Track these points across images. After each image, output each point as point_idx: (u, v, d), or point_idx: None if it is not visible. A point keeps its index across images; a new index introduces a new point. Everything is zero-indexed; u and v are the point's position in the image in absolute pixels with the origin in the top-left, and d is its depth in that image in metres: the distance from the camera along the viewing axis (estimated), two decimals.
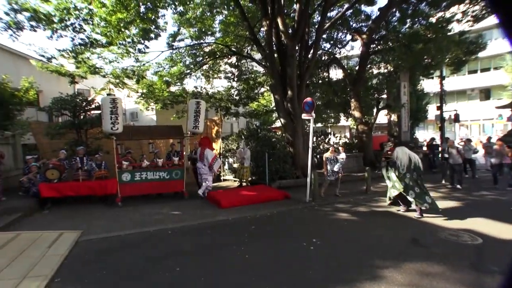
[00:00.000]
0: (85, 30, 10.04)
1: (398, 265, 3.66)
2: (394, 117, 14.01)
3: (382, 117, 15.88)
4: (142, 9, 9.80)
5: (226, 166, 11.03)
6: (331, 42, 13.86)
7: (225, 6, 11.52)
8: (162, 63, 12.58)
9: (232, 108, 14.17)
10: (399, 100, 12.63)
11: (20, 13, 8.39)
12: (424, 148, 13.42)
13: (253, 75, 14.38)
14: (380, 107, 13.44)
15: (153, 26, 10.28)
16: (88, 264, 3.96)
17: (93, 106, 9.44)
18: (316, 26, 10.86)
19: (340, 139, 14.03)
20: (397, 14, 12.34)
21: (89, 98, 10.08)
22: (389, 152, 6.30)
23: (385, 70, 13.81)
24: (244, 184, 9.18)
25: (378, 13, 11.65)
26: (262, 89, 15.46)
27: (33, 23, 8.66)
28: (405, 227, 5.32)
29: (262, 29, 11.86)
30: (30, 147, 10.72)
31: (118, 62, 12.00)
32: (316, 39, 10.07)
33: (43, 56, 10.29)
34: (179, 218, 6.09)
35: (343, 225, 5.61)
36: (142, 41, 10.69)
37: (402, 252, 4.11)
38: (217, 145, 10.97)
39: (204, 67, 13.78)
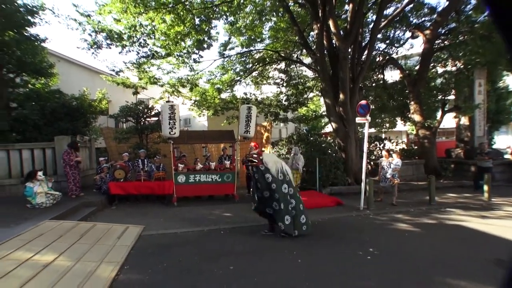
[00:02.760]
0: (148, 44, 11.23)
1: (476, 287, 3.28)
2: (464, 120, 12.33)
3: (448, 121, 14.38)
4: (197, 21, 10.60)
5: None
6: (387, 41, 13.06)
7: (274, 13, 11.79)
8: (214, 71, 13.31)
9: (281, 113, 14.28)
10: (471, 100, 11.25)
11: (99, 34, 9.73)
12: (507, 156, 11.76)
13: (302, 80, 14.35)
14: (446, 109, 12.20)
15: (206, 37, 11.03)
16: (151, 256, 4.35)
17: (152, 113, 10.44)
18: (371, 26, 10.45)
19: (396, 145, 13.07)
20: (472, 1, 11.06)
21: (149, 106, 11.14)
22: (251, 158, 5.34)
23: (453, 68, 12.45)
24: None
25: (447, 3, 10.63)
26: (311, 94, 15.30)
27: (108, 42, 9.96)
28: (482, 243, 4.74)
29: (311, 33, 11.83)
30: (101, 150, 12.23)
31: (174, 72, 13.08)
32: (370, 39, 9.64)
33: (113, 70, 11.74)
34: (231, 220, 6.32)
35: (404, 236, 5.22)
36: (196, 51, 11.55)
37: (480, 272, 3.67)
38: (267, 151, 11.13)
39: (254, 73, 14.19)
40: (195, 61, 11.95)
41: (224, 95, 14.02)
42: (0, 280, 3.18)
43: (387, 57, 13.15)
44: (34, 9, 9.76)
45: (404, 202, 7.56)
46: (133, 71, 12.26)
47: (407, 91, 12.46)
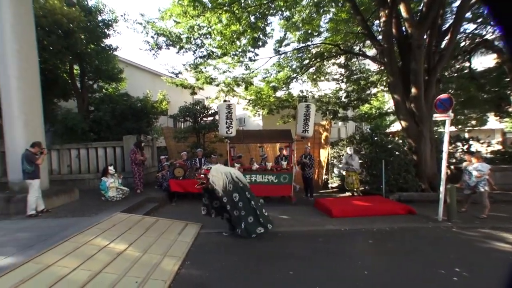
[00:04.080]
0: (204, 44, 11.88)
1: None
2: None
3: None
4: (252, 19, 10.82)
5: (335, 173, 10.73)
6: (479, 20, 10.85)
7: (333, 3, 11.37)
8: (269, 69, 13.41)
9: (340, 111, 13.71)
10: None
11: (160, 36, 10.66)
12: None
13: (364, 75, 13.56)
14: None
15: (261, 34, 11.18)
16: (210, 254, 4.54)
17: (209, 112, 11.00)
18: (455, 5, 9.20)
19: (487, 146, 11.25)
20: None
21: (206, 106, 11.76)
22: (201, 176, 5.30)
23: None
24: (355, 194, 8.68)
25: None
26: (375, 90, 14.36)
27: (168, 43, 10.84)
28: None
29: (376, 21, 11.08)
30: (161, 148, 13.34)
31: (230, 72, 13.56)
32: (455, 21, 8.37)
33: (173, 72, 12.71)
34: (288, 223, 6.27)
35: (505, 258, 4.40)
36: (252, 50, 11.79)
37: None
38: (326, 152, 10.79)
39: (311, 70, 13.90)
40: (250, 59, 12.21)
41: (279, 93, 14.04)
42: (88, 261, 3.75)
43: (478, 39, 11.19)
44: (109, 22, 11.17)
45: (501, 217, 6.53)
46: (191, 72, 13.07)
47: (507, 80, 10.67)
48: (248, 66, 12.98)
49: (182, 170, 8.35)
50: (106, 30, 11.36)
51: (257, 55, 11.88)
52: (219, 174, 5.18)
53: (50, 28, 9.30)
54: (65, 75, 11.41)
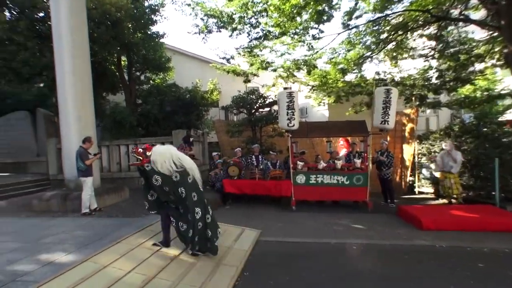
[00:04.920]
0: (259, 24, 11.98)
1: None
2: None
3: None
4: None
5: (424, 175, 9.97)
6: None
7: None
8: (337, 48, 12.95)
9: (430, 96, 12.60)
10: None
11: (210, 18, 11.08)
12: None
13: (465, 47, 12.21)
14: None
15: (327, 6, 10.82)
16: (271, 266, 4.58)
17: (267, 102, 11.11)
18: None
19: None
20: None
21: (262, 95, 11.88)
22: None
23: None
24: (454, 201, 7.92)
25: None
26: (481, 65, 12.83)
27: (219, 25, 11.21)
28: None
29: None
30: (213, 144, 13.93)
31: (289, 54, 13.47)
32: None
33: (224, 57, 13.11)
34: (364, 234, 6.01)
35: None
36: (315, 26, 11.51)
37: None
38: (411, 147, 10.08)
39: (389, 45, 13.04)
40: (313, 37, 11.95)
41: (349, 77, 13.49)
42: (142, 265, 4.10)
43: None
44: (156, 7, 12.02)
45: None
46: (244, 57, 13.33)
47: None
48: (311, 46, 12.71)
49: (236, 169, 8.58)
50: (152, 16, 12.25)
51: (321, 32, 11.57)
52: (163, 155, 4.33)
53: (99, 19, 10.36)
54: (113, 67, 12.63)
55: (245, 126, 10.64)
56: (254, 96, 11.05)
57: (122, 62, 13.11)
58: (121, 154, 10.49)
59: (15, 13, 11.00)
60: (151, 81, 13.72)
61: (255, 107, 10.98)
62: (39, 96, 15.21)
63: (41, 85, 13.37)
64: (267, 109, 11.28)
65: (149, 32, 12.66)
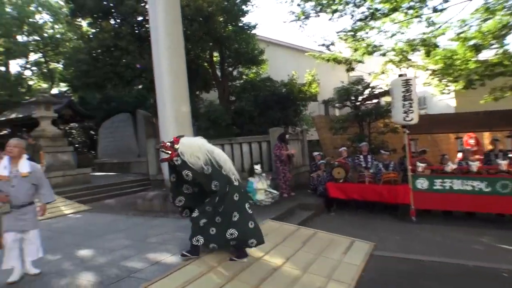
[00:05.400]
0: (364, 1, 11.40)
1: None
2: None
3: None
4: None
5: None
6: None
7: None
8: (468, 20, 11.49)
9: None
10: None
11: (307, 2, 10.99)
12: None
13: None
14: None
15: None
16: (390, 286, 4.27)
17: (374, 92, 10.51)
18: None
19: None
20: None
21: (371, 84, 11.28)
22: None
23: None
24: None
25: None
26: None
27: (317, 9, 11.03)
28: None
29: None
30: (313, 142, 13.82)
31: (401, 33, 12.49)
32: None
33: (323, 44, 12.86)
34: None
35: None
36: None
37: None
38: None
39: None
40: (434, 10, 10.85)
41: (484, 55, 11.85)
42: (243, 273, 4.22)
43: None
44: None
45: None
46: (347, 42, 12.86)
47: None
48: (431, 21, 11.57)
49: (342, 171, 8.32)
50: (243, 7, 12.71)
51: (446, 1, 10.43)
52: (193, 147, 4.40)
53: (192, 16, 11.21)
54: (205, 63, 13.53)
55: (350, 122, 10.27)
56: (360, 87, 10.55)
57: (214, 58, 13.95)
58: None
59: (118, 20, 12.69)
60: (244, 76, 14.28)
61: (362, 99, 10.47)
62: (139, 98, 17.33)
63: (140, 86, 15.14)
64: (375, 100, 10.67)
65: (240, 24, 13.19)
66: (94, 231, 6.42)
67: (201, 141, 4.60)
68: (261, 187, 8.22)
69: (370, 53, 12.75)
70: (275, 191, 8.40)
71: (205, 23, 11.43)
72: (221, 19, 12.53)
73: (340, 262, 4.99)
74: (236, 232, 4.39)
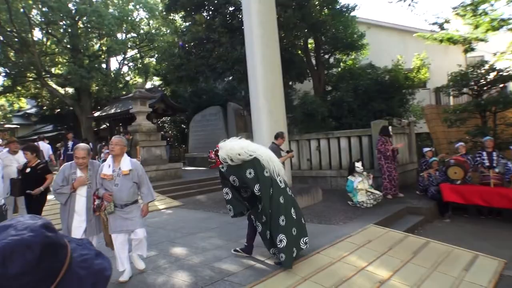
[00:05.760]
0: None
1: None
2: None
3: None
4: None
5: None
6: None
7: None
8: None
9: None
10: None
11: None
12: None
13: None
14: None
15: None
16: None
17: (501, 76, 9.45)
18: None
19: None
20: None
21: (496, 67, 10.15)
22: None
23: None
24: None
25: None
26: None
27: None
28: None
29: None
30: (421, 136, 12.96)
31: None
32: None
33: (435, 23, 11.91)
34: None
35: None
36: None
37: None
38: None
39: None
40: None
41: None
42: (344, 285, 4.15)
43: None
44: None
45: None
46: (465, 18, 11.75)
47: None
48: None
49: (460, 170, 7.75)
50: None
51: None
52: (235, 149, 4.54)
53: (286, 2, 11.30)
54: (299, 51, 13.56)
55: (469, 112, 9.39)
56: (482, 70, 9.55)
57: (309, 45, 13.90)
58: (311, 150, 11.13)
59: (210, 12, 13.42)
60: (341, 64, 14.01)
61: (484, 84, 9.47)
62: (229, 90, 18.09)
63: (230, 78, 15.82)
64: (501, 85, 9.57)
65: (337, 7, 12.93)
66: (187, 228, 6.92)
67: (243, 143, 4.73)
68: (362, 187, 8.01)
69: (496, 29, 11.48)
70: (378, 192, 8.12)
71: (299, 9, 11.45)
72: (317, 2, 12.41)
73: (461, 280, 4.60)
74: (285, 239, 4.44)
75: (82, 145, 4.52)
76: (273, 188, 4.56)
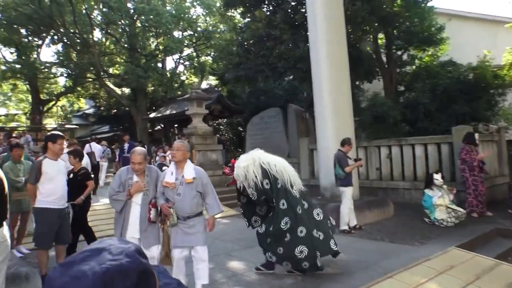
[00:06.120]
0: None
1: None
2: None
3: None
4: None
5: None
6: None
7: None
8: None
9: None
10: None
11: None
12: None
13: None
14: None
15: None
16: None
17: None
18: None
19: None
20: None
21: None
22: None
23: None
24: None
25: None
26: None
27: None
28: None
29: None
30: None
31: None
32: None
33: None
34: None
35: None
36: None
37: None
38: None
39: None
40: None
41: None
42: None
43: None
44: None
45: None
46: None
47: None
48: None
49: None
50: None
51: None
52: (250, 163, 4.87)
53: None
54: (368, 48, 13.12)
55: None
56: None
57: (379, 41, 13.42)
58: (381, 158, 10.70)
59: (271, 8, 13.44)
60: (416, 61, 13.40)
61: None
62: (289, 91, 17.93)
63: (291, 77, 15.69)
64: None
65: None
66: (244, 240, 6.91)
67: (256, 154, 5.04)
68: (441, 202, 7.52)
69: None
70: (461, 209, 7.56)
71: (368, 1, 11.11)
72: None
73: None
74: (306, 250, 4.67)
75: (139, 149, 4.52)
76: (287, 200, 4.83)
